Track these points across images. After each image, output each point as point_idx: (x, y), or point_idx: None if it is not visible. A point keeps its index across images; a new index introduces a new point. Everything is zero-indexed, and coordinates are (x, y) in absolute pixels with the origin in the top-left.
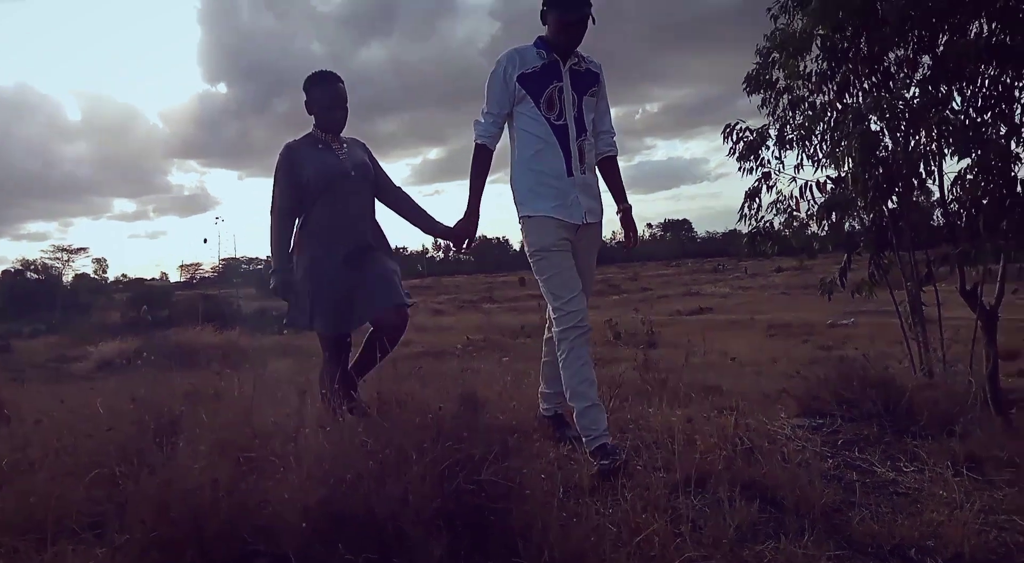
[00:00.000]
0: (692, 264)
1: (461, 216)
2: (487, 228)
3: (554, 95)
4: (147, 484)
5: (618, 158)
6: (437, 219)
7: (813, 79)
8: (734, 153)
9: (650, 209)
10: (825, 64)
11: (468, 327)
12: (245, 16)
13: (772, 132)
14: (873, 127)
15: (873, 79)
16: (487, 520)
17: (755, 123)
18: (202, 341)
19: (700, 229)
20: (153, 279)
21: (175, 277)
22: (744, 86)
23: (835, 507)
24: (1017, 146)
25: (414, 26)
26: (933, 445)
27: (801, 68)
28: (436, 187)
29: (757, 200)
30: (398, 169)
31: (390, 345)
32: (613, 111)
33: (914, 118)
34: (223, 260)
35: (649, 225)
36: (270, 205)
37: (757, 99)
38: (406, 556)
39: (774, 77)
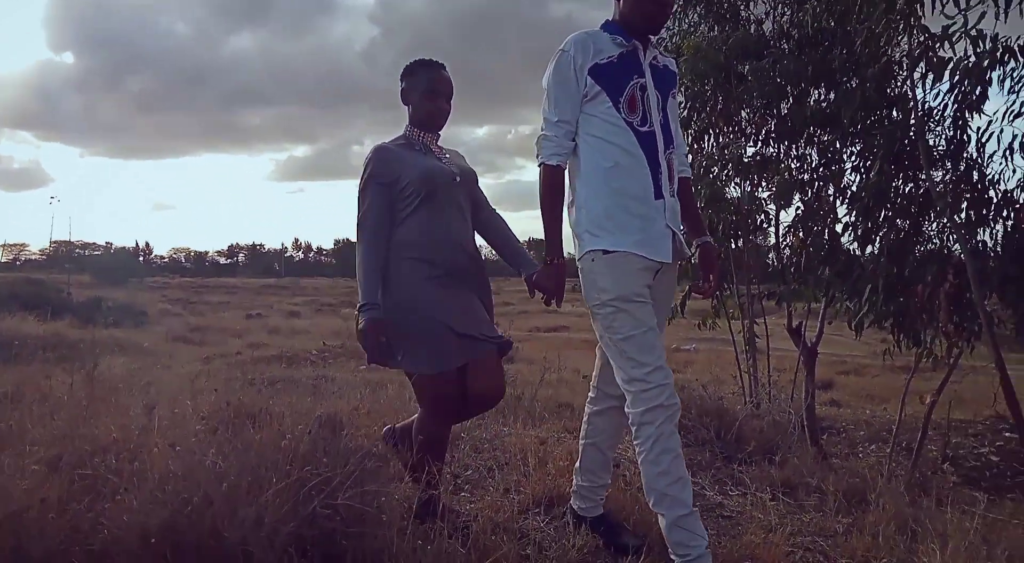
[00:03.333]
0: None
1: (541, 264)
2: (352, 232)
3: (636, 94)
4: None
5: (489, 176)
6: (530, 259)
7: None
8: None
9: (516, 227)
10: (685, 112)
11: (324, 332)
12: None
13: None
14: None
15: (728, 129)
16: (341, 545)
17: None
18: (23, 331)
19: None
20: None
21: None
22: None
23: None
24: (841, 204)
25: (290, 20)
26: (756, 471)
27: None
28: (300, 185)
29: None
30: (261, 164)
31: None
32: (487, 130)
33: (758, 170)
34: (54, 242)
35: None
36: (357, 222)
37: None
38: None
39: None
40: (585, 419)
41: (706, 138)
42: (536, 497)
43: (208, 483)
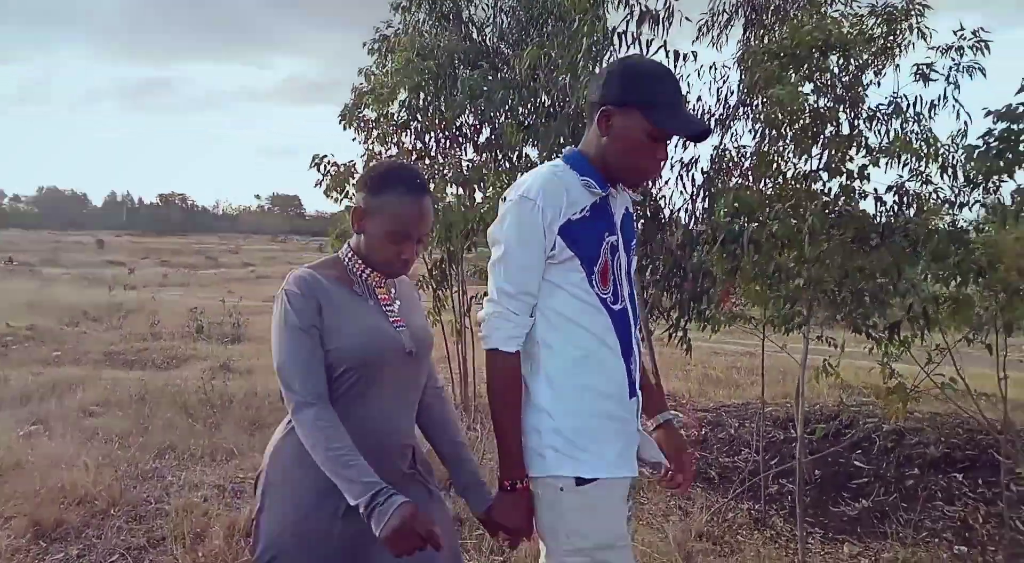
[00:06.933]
0: (298, 241)
1: (498, 490)
2: (61, 179)
3: (607, 260)
4: None
5: (241, 128)
6: (481, 480)
7: (397, 124)
8: (320, 186)
9: (262, 182)
10: (405, 115)
11: (13, 306)
12: None
13: (359, 165)
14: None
15: (447, 134)
16: None
17: (342, 157)
18: None
19: (310, 207)
20: None
21: None
22: (340, 120)
23: None
24: None
25: None
26: None
27: (387, 113)
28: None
29: (339, 226)
30: None
31: None
32: (238, 75)
33: (475, 178)
34: None
35: (257, 196)
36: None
37: (351, 132)
38: None
39: (367, 114)
40: None
41: (427, 138)
42: None
43: None
